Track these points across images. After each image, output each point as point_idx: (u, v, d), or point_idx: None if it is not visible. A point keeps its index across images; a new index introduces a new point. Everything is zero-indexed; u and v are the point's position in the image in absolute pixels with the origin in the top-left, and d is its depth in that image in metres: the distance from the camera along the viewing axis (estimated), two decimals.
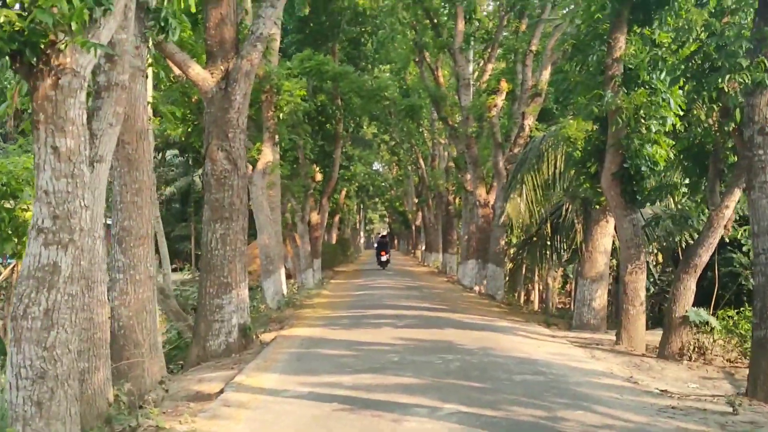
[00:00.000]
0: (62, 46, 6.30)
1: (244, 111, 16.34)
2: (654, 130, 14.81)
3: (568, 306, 43.44)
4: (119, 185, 10.21)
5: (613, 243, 18.65)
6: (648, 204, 15.70)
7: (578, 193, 18.84)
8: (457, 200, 47.16)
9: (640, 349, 15.10)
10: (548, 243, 23.25)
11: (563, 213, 21.65)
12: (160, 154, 51.13)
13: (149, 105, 13.25)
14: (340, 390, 10.28)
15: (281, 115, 25.85)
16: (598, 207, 17.69)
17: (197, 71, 16.02)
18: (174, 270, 49.40)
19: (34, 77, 6.39)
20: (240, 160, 16.04)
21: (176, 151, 52.95)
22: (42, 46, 6.28)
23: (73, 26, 6.22)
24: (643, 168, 14.85)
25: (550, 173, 20.92)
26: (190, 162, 52.29)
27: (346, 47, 39.37)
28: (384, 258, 51.43)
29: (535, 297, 37.61)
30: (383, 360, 12.69)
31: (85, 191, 6.61)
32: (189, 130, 26.27)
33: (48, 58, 6.34)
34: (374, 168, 77.73)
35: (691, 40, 13.08)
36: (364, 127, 52.39)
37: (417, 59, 38.53)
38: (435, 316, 19.84)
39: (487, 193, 31.06)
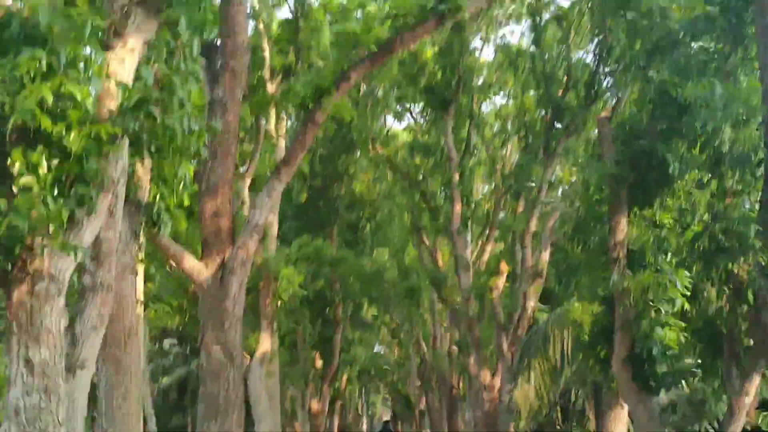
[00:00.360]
0: (39, 251, 5.93)
1: (241, 301, 15.91)
2: (663, 312, 14.35)
3: None
4: (104, 390, 9.63)
5: (628, 429, 17.80)
6: (662, 389, 15.03)
7: (588, 377, 18.17)
8: (461, 384, 45.96)
9: None
10: (558, 430, 22.32)
11: (573, 397, 20.85)
12: (157, 344, 50.29)
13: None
14: None
15: (280, 302, 25.43)
16: (609, 391, 17.00)
17: (192, 264, 15.71)
18: None
19: (8, 284, 5.99)
20: (236, 352, 15.47)
21: (174, 340, 52.09)
22: (17, 251, 5.90)
23: (51, 229, 5.87)
24: (655, 351, 14.28)
25: (557, 356, 20.27)
26: (188, 351, 51.32)
27: (344, 232, 39.58)
28: None
29: None
30: None
31: (60, 406, 6.06)
32: (186, 319, 25.87)
33: (24, 263, 5.96)
34: (375, 350, 76.55)
35: (696, 221, 12.87)
36: (364, 309, 51.92)
37: (415, 241, 38.60)
38: None
39: (492, 376, 30.12)
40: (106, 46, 6.59)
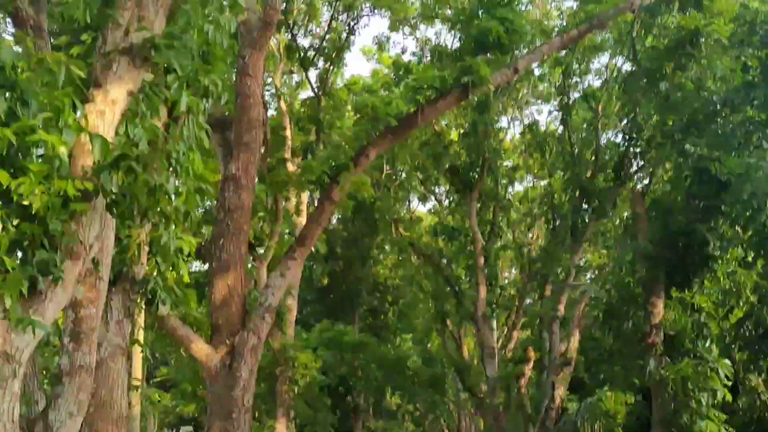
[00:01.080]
0: None
1: (250, 389, 14.93)
2: (703, 404, 13.22)
3: None
4: None
5: None
6: None
7: None
8: None
9: None
10: None
11: None
12: (174, 431, 49.05)
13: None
14: None
15: (297, 389, 24.36)
16: None
17: (200, 347, 14.80)
18: None
19: None
20: None
21: (190, 428, 50.83)
22: None
23: (7, 302, 5.04)
24: None
25: None
26: None
27: (366, 317, 38.57)
28: None
29: None
30: None
31: None
32: (203, 406, 24.92)
33: None
34: None
35: (741, 304, 11.86)
36: (387, 398, 50.48)
37: (439, 328, 37.48)
38: None
39: None
40: (84, 98, 5.88)
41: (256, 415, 26.23)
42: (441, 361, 39.94)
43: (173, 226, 7.30)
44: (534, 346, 28.66)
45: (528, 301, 32.32)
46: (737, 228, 12.86)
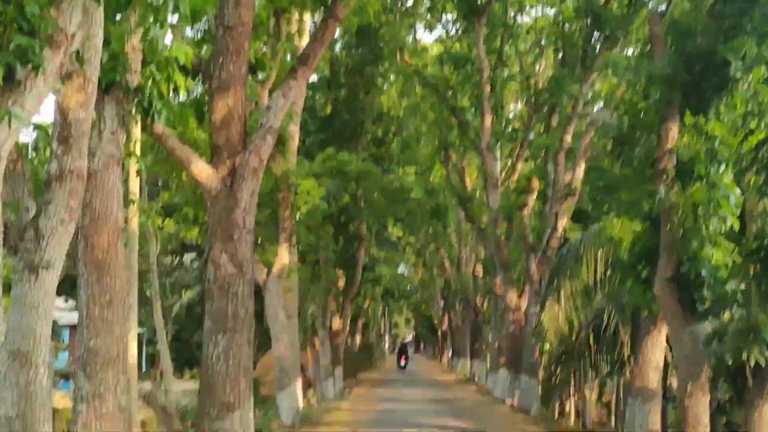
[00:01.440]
0: None
1: (252, 211, 14.69)
2: (712, 230, 12.97)
3: (605, 419, 40.73)
4: (86, 296, 8.47)
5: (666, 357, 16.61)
6: (710, 314, 13.73)
7: (625, 300, 16.91)
8: (485, 305, 45.05)
9: None
10: (588, 355, 21.16)
11: (605, 321, 19.65)
12: (178, 258, 49.68)
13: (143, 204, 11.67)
14: None
15: (298, 215, 24.25)
16: (648, 316, 15.76)
17: (200, 167, 14.46)
18: (193, 378, 47.31)
19: None
20: (246, 265, 14.31)
21: (194, 255, 51.55)
22: None
23: None
24: (704, 273, 12.93)
25: (589, 278, 19.02)
26: None
27: (370, 147, 38.16)
28: (403, 363, 59.72)
29: (570, 409, 35.05)
30: None
31: None
32: (205, 232, 24.91)
33: None
34: (399, 271, 76.01)
35: (762, 126, 11.38)
36: (389, 229, 50.95)
37: (443, 159, 37.22)
38: None
39: (519, 297, 29.10)
40: None
41: (258, 240, 26.28)
42: (443, 192, 39.99)
43: (161, 20, 6.74)
44: (538, 176, 28.39)
45: (533, 134, 31.78)
46: (763, 47, 12.23)
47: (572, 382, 26.94)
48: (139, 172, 13.93)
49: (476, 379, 43.59)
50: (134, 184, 14.29)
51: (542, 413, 26.24)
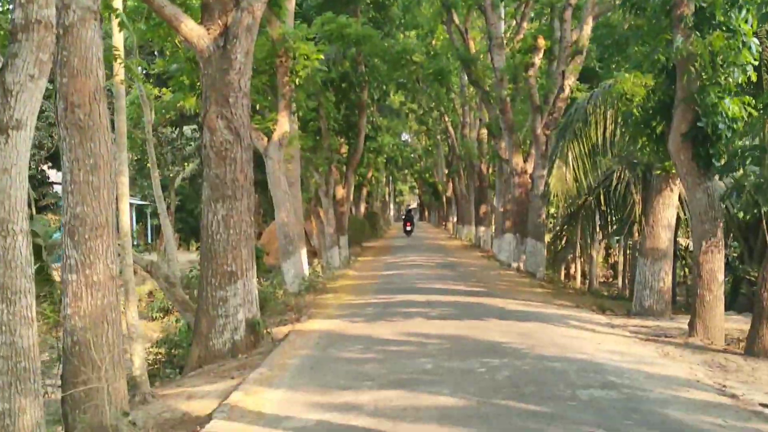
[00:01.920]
0: None
1: (247, 72, 14.04)
2: (732, 80, 12.31)
3: (611, 279, 40.94)
4: (69, 161, 7.94)
5: (678, 216, 16.20)
6: (727, 172, 13.23)
7: (635, 159, 16.40)
8: (490, 170, 44.61)
9: (719, 342, 12.69)
10: (597, 216, 20.83)
11: (614, 182, 19.21)
12: (177, 129, 49.02)
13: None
14: (358, 418, 8.00)
15: (297, 80, 23.46)
16: (660, 174, 15.26)
17: (191, 27, 13.74)
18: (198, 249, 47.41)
19: None
20: (243, 129, 13.79)
21: (195, 126, 50.91)
22: None
23: None
24: (721, 126, 12.34)
25: (599, 137, 18.41)
26: None
27: (369, 11, 36.82)
28: (408, 228, 63.84)
29: (576, 271, 35.13)
30: (413, 367, 10.37)
31: None
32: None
33: None
34: (403, 139, 75.30)
35: None
36: (391, 96, 50.02)
37: (445, 21, 35.94)
38: (473, 302, 17.52)
39: (524, 161, 28.58)
40: None
41: (257, 107, 25.60)
42: (446, 55, 38.86)
43: None
44: (544, 35, 27.35)
45: None
46: None
47: (578, 244, 26.78)
48: (121, 26, 13.13)
49: (481, 244, 43.62)
50: (118, 39, 13.52)
51: (548, 276, 26.15)
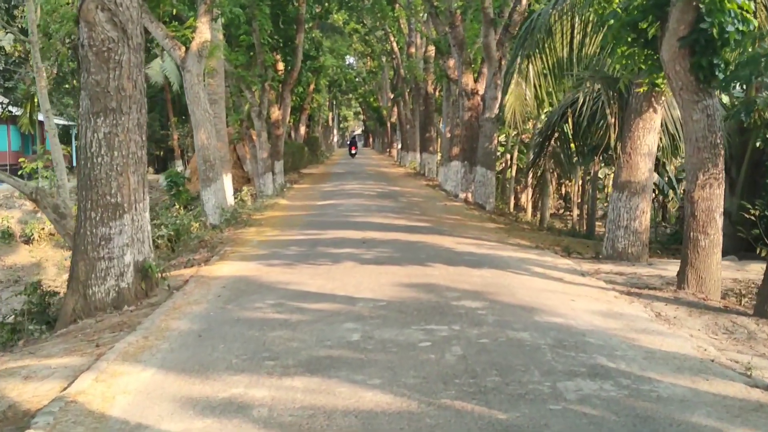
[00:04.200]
0: None
1: None
2: None
3: (562, 212, 38.89)
4: None
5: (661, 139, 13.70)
6: (733, 84, 10.68)
7: (617, 73, 13.81)
8: (437, 92, 41.80)
9: (715, 296, 10.33)
10: (562, 142, 18.32)
11: (582, 101, 16.64)
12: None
13: None
14: (241, 430, 5.42)
15: None
16: (643, 92, 12.71)
17: None
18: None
19: None
20: (132, 25, 10.80)
21: None
22: None
23: None
24: (729, 29, 9.77)
25: (564, 49, 15.79)
26: None
27: None
28: (354, 152, 73.88)
29: (527, 203, 32.87)
30: (333, 339, 7.70)
31: None
32: None
33: None
34: (347, 63, 72.06)
35: None
36: (333, 15, 46.78)
37: None
38: (415, 240, 14.95)
39: (475, 81, 25.83)
40: None
41: (174, 12, 22.45)
42: None
43: None
44: None
45: None
46: None
47: (530, 175, 24.35)
48: None
49: (426, 172, 41.02)
50: None
51: (499, 208, 23.79)
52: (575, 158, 19.89)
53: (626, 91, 13.88)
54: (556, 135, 18.23)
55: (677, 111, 14.54)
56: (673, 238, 19.13)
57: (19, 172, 18.41)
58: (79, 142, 10.80)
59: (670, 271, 11.82)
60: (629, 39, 11.14)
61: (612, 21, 11.05)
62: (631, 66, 11.62)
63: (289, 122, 44.96)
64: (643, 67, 11.46)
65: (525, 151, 26.83)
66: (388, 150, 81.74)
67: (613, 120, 15.40)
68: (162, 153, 53.36)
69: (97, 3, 10.60)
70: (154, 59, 43.33)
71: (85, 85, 10.67)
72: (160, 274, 11.33)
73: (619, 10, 11.16)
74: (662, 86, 12.20)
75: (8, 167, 38.52)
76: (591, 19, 14.51)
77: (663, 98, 13.21)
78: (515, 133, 25.49)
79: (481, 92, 25.17)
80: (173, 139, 48.02)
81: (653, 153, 13.42)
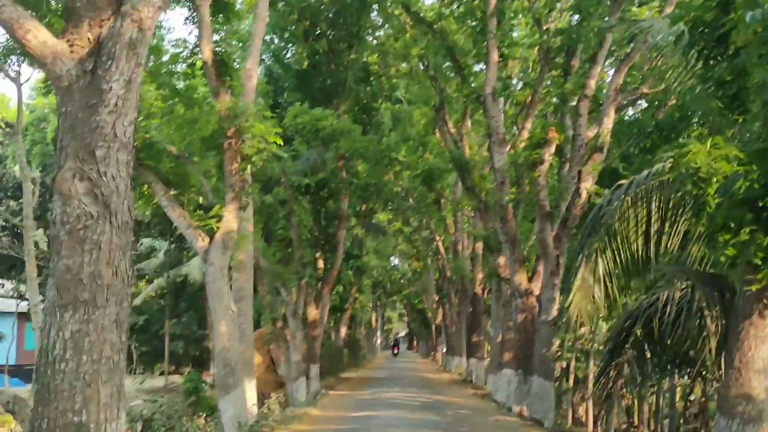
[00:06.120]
0: None
1: (128, 112, 8.87)
2: None
3: (624, 427, 35.29)
4: None
5: None
6: None
7: (716, 269, 11.25)
8: (485, 293, 39.34)
9: None
10: (637, 350, 15.62)
11: (665, 303, 14.07)
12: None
13: None
14: None
15: (250, 168, 18.75)
16: (756, 291, 10.10)
17: (43, 39, 8.79)
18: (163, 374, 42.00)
19: None
20: (117, 199, 8.54)
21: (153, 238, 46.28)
22: None
23: None
24: None
25: (638, 240, 13.40)
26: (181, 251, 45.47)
27: (355, 111, 32.72)
28: (396, 352, 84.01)
29: (587, 418, 29.50)
30: None
31: None
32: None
33: None
34: (392, 264, 70.92)
35: None
36: (378, 215, 45.57)
37: (437, 120, 31.53)
38: None
39: (529, 280, 23.43)
40: None
41: (200, 202, 20.63)
42: (437, 155, 34.53)
43: None
44: (556, 127, 22.69)
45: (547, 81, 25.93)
46: None
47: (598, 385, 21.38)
48: None
49: (473, 379, 37.87)
50: None
51: (558, 425, 20.76)
52: (649, 370, 17.10)
53: (730, 290, 11.29)
54: (630, 341, 15.59)
55: None
56: None
57: None
58: (41, 342, 8.40)
59: None
60: (732, 229, 8.64)
61: (719, 199, 8.63)
62: (745, 258, 9.05)
63: (329, 323, 42.70)
64: (760, 260, 8.87)
65: (581, 359, 23.99)
66: (432, 354, 78.64)
67: (712, 326, 12.72)
68: (198, 353, 51.46)
69: (75, 171, 8.47)
70: (195, 257, 42.10)
71: (54, 271, 8.32)
72: None
73: (712, 198, 8.75)
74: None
75: None
76: (672, 203, 12.14)
77: None
78: (570, 338, 22.82)
79: (536, 292, 22.72)
80: (210, 339, 46.10)
81: None
